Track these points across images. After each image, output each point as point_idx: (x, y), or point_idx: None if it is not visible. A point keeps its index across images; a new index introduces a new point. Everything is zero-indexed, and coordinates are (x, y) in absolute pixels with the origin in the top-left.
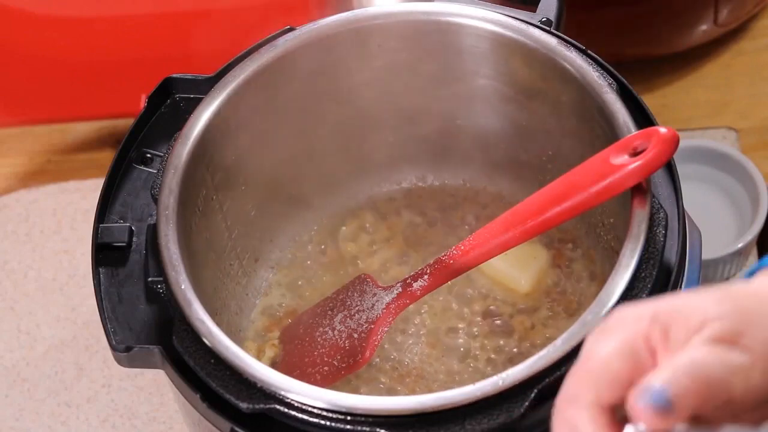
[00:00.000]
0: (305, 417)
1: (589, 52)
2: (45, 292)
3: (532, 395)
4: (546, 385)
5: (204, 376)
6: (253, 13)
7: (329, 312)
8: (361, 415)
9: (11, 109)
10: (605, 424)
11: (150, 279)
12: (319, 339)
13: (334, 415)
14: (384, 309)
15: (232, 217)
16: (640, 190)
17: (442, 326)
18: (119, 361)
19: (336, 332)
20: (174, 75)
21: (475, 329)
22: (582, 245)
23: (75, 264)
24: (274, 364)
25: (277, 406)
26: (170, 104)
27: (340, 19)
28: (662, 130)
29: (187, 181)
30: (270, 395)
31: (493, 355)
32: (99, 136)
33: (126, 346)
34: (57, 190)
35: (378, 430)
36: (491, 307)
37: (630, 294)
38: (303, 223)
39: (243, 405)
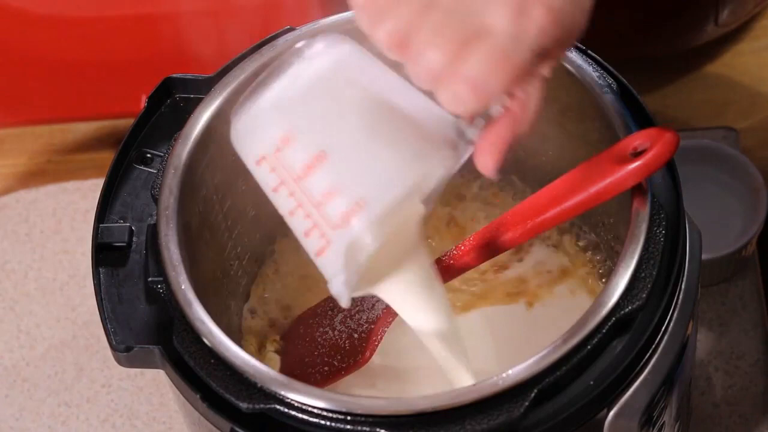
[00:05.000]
0: (305, 417)
1: (589, 52)
2: (45, 292)
3: (532, 395)
4: (546, 385)
5: (204, 376)
6: (253, 13)
7: (329, 312)
8: (361, 416)
9: (11, 109)
10: None
11: (150, 279)
12: (319, 339)
13: (334, 415)
14: (384, 309)
15: (232, 217)
16: (640, 190)
17: None
18: (119, 361)
19: (336, 332)
20: (174, 75)
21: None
22: (582, 245)
23: (75, 264)
24: (276, 365)
25: (277, 406)
26: (170, 104)
27: (340, 19)
28: (662, 130)
29: (187, 181)
30: (270, 395)
31: (492, 356)
32: (99, 136)
33: (126, 346)
34: (57, 190)
35: (378, 430)
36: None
37: (630, 294)
38: None
39: (243, 405)
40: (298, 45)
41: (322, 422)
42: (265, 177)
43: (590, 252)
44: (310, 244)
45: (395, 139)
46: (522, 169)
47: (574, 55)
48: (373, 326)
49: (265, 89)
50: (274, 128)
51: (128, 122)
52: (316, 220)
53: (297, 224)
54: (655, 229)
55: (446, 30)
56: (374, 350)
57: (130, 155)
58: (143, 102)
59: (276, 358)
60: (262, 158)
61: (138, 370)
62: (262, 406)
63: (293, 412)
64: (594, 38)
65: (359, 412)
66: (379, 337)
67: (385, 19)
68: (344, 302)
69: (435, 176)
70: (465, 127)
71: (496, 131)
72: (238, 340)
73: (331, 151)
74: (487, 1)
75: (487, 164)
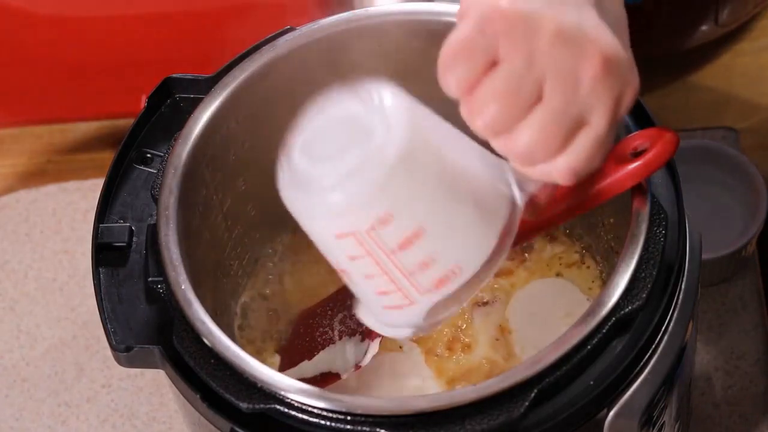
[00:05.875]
0: (305, 417)
1: None
2: (45, 292)
3: (532, 395)
4: (546, 385)
5: (204, 376)
6: (253, 13)
7: (329, 312)
8: (361, 415)
9: (11, 109)
10: None
11: (150, 279)
12: (319, 339)
13: (334, 415)
14: None
15: (232, 217)
16: (640, 190)
17: (445, 329)
18: (119, 361)
19: (336, 332)
20: (174, 75)
21: (470, 335)
22: (582, 245)
23: (75, 264)
24: (276, 365)
25: (277, 406)
26: (170, 104)
27: (341, 19)
28: (662, 130)
29: (187, 181)
30: (270, 395)
31: (487, 366)
32: (99, 136)
33: (126, 346)
34: (57, 190)
35: (378, 430)
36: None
37: (630, 294)
38: None
39: (243, 405)
40: (370, 99)
41: (322, 422)
42: (345, 248)
43: (590, 252)
44: (382, 300)
45: (473, 199)
46: None
47: None
48: None
49: (344, 160)
50: (370, 211)
51: (128, 122)
52: (402, 285)
53: (372, 284)
54: (655, 229)
55: (552, 128)
56: (374, 350)
57: (130, 155)
58: (143, 102)
59: (276, 358)
60: (349, 234)
61: (138, 370)
62: (262, 406)
63: (293, 412)
64: None
65: (359, 412)
66: (379, 337)
67: (486, 111)
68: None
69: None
70: (521, 178)
71: (550, 188)
72: (237, 340)
73: (428, 226)
74: (590, 97)
75: (535, 215)
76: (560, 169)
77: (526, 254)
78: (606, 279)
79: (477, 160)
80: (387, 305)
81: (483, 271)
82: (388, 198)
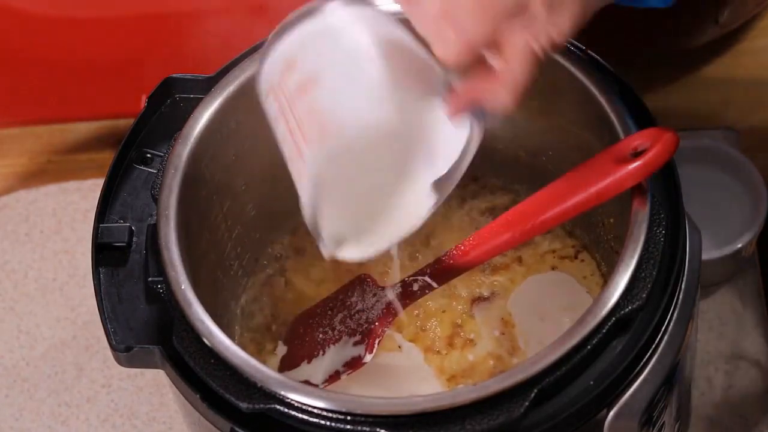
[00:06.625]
0: (305, 417)
1: (589, 52)
2: (45, 292)
3: (532, 395)
4: (546, 385)
5: (204, 376)
6: (253, 13)
7: (329, 312)
8: (361, 415)
9: (11, 109)
10: None
11: (150, 279)
12: (319, 339)
13: (334, 415)
14: (384, 309)
15: (232, 217)
16: (640, 190)
17: (442, 326)
18: (119, 361)
19: (336, 332)
20: (174, 75)
21: (471, 331)
22: (582, 244)
23: (75, 264)
24: (276, 365)
25: (277, 406)
26: (170, 104)
27: None
28: (662, 130)
29: (187, 181)
30: (270, 395)
31: (491, 361)
32: (99, 136)
33: (126, 346)
34: (57, 190)
35: (378, 430)
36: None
37: (630, 294)
38: (303, 222)
39: (243, 405)
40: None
41: (322, 422)
42: (270, 109)
43: (586, 248)
44: (294, 170)
45: (384, 76)
46: (521, 170)
47: (574, 56)
48: (373, 326)
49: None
50: (284, 60)
51: (128, 122)
52: (297, 138)
53: (288, 151)
54: (655, 229)
55: None
56: (374, 350)
57: (130, 155)
58: (143, 102)
59: (276, 358)
60: (270, 89)
61: (138, 370)
62: (262, 406)
63: (293, 412)
64: (594, 38)
65: (359, 412)
66: (379, 337)
67: None
68: (311, 227)
69: (416, 117)
70: (452, 77)
71: (474, 82)
72: (238, 340)
73: (324, 78)
74: None
75: (452, 112)
76: (449, 27)
77: (521, 251)
78: (604, 271)
79: (414, 59)
80: (295, 174)
81: (366, 140)
82: (301, 49)
